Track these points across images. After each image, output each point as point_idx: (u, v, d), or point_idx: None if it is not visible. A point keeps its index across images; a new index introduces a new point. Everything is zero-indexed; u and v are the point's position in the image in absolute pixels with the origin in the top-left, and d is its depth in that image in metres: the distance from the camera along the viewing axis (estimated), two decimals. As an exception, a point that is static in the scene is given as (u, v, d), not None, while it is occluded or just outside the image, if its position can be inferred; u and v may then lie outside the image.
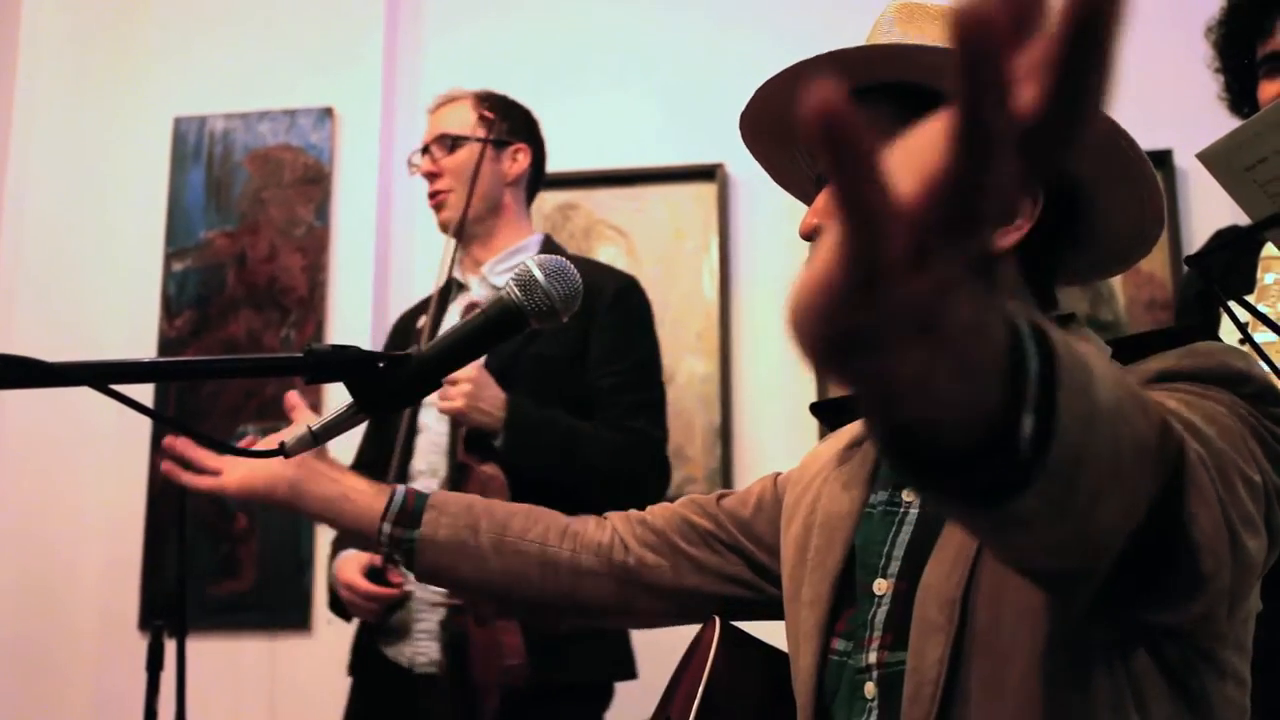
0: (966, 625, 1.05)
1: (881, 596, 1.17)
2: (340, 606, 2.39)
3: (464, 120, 2.54)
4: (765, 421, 3.20)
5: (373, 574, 2.30)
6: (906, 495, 1.21)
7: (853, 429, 1.36)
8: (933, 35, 1.18)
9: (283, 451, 1.12)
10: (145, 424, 3.34)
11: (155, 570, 3.29)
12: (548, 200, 3.30)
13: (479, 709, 2.22)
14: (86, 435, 3.37)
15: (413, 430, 2.41)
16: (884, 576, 1.18)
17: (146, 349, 3.40)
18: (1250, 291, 1.81)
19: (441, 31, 3.57)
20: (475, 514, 1.42)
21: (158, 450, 3.36)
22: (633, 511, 1.49)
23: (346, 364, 1.07)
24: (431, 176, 2.53)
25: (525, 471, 2.26)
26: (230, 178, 3.50)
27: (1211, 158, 1.26)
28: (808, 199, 1.28)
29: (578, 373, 2.40)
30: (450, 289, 2.56)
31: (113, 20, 3.67)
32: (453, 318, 2.50)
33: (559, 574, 1.41)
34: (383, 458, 2.40)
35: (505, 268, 2.50)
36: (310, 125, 3.49)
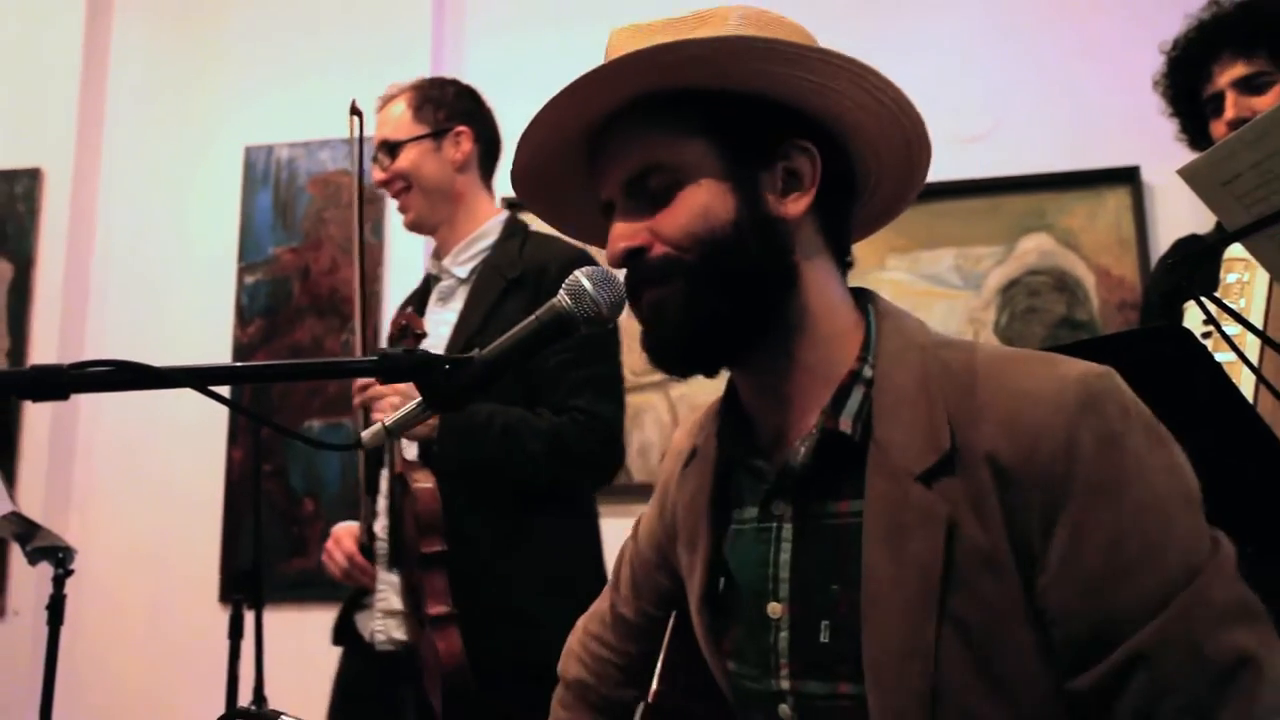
0: (937, 713, 0.93)
1: (778, 620, 1.04)
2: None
3: (398, 122, 2.27)
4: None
5: (361, 548, 2.17)
6: (777, 509, 1.06)
7: (692, 431, 1.23)
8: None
9: (360, 445, 1.10)
10: (224, 420, 3.33)
11: (232, 550, 3.29)
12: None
13: (431, 710, 2.00)
14: (171, 431, 3.37)
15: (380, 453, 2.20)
16: (776, 600, 1.05)
17: (222, 353, 3.40)
18: (1215, 291, 1.80)
19: (482, 67, 3.56)
20: None
21: (234, 443, 3.38)
22: (601, 643, 1.35)
23: (416, 366, 1.05)
24: (385, 185, 2.26)
25: (468, 470, 2.04)
26: (295, 200, 3.49)
27: (1191, 174, 1.23)
28: (588, 234, 1.19)
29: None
30: (429, 283, 2.33)
31: (190, 64, 3.67)
32: (432, 310, 2.26)
33: None
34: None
35: (467, 256, 2.26)
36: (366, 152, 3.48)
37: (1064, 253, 3.01)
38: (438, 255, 2.31)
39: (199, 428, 3.32)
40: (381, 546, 2.18)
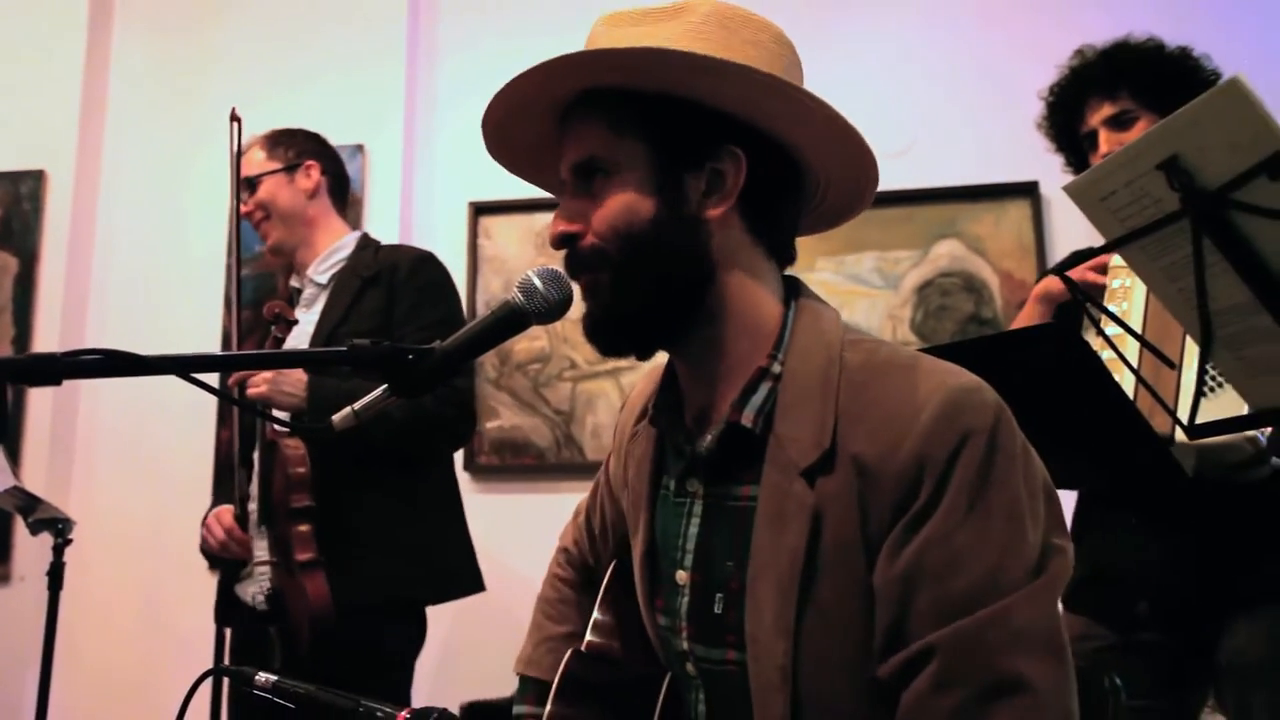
0: (799, 686, 0.94)
1: (683, 587, 1.06)
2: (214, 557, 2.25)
3: (255, 162, 2.37)
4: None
5: (235, 519, 2.18)
6: (691, 486, 1.07)
7: (646, 390, 1.22)
8: (629, 37, 1.04)
9: (331, 428, 1.09)
10: (212, 402, 3.31)
11: (221, 521, 3.27)
12: (541, 220, 3.27)
13: (298, 646, 2.03)
14: (164, 413, 3.34)
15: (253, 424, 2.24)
16: (682, 568, 1.06)
17: (213, 341, 3.37)
18: (1100, 296, 1.84)
19: (456, 75, 3.54)
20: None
21: (223, 424, 3.34)
22: (573, 549, 1.36)
23: (382, 356, 1.05)
24: (249, 216, 2.35)
25: (340, 438, 2.04)
26: (281, 202, 3.46)
27: (1075, 190, 1.26)
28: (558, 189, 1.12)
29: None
30: (293, 297, 2.39)
31: (185, 75, 3.63)
32: (297, 316, 2.31)
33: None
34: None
35: (327, 266, 2.33)
36: (345, 159, 3.43)
37: (972, 257, 3.06)
38: (298, 272, 2.38)
39: (190, 410, 3.30)
40: (253, 512, 2.19)
